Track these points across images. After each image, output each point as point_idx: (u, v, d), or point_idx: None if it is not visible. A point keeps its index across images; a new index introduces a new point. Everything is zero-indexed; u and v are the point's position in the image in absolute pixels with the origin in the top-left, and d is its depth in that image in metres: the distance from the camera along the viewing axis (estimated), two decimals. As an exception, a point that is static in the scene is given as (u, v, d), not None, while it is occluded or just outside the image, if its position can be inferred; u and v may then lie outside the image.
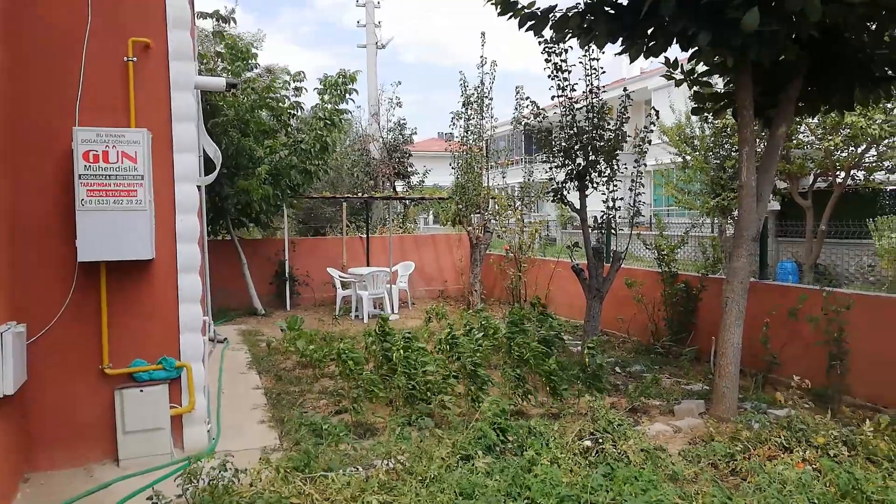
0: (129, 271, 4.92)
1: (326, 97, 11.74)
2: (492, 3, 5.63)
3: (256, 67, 11.56)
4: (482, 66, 11.98)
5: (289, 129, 11.85)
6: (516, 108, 11.07)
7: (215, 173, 7.38)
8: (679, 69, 6.32)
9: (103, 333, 4.84)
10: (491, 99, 12.22)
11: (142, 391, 4.87)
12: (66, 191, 4.68)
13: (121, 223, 4.70)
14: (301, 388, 6.91)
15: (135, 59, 4.90)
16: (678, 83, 6.46)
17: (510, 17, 5.61)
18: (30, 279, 4.65)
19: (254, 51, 11.55)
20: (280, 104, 11.43)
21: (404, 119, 22.04)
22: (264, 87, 11.13)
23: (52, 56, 4.72)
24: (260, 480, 3.70)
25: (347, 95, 11.86)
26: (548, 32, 5.77)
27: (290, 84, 11.68)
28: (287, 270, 12.80)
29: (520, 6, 5.58)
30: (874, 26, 5.23)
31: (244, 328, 10.67)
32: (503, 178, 13.64)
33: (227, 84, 6.55)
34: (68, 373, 4.78)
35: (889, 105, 11.58)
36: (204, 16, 11.39)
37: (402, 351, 5.93)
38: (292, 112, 11.78)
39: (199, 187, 5.67)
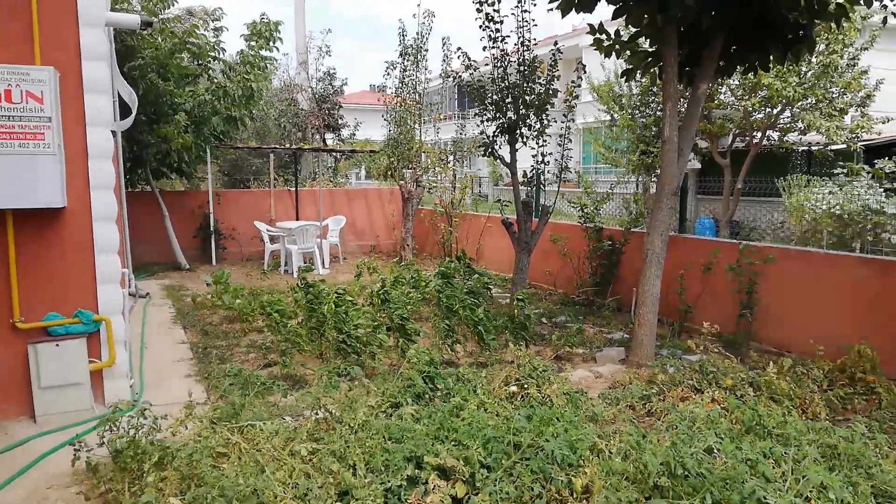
0: (40, 220, 4.65)
1: (252, 43, 11.25)
2: None
3: (174, 4, 10.89)
4: (419, 16, 11.75)
5: (210, 73, 11.31)
6: (444, 60, 10.95)
7: (131, 118, 6.98)
8: (605, 34, 6.42)
9: (13, 286, 4.58)
10: (427, 50, 12.03)
11: (58, 346, 4.67)
12: (-35, 133, 4.35)
13: (27, 168, 4.41)
14: (228, 343, 6.80)
15: (38, -9, 4.54)
16: (607, 51, 6.56)
17: None
18: (-74, 228, 4.34)
19: None
20: (201, 49, 10.86)
21: (334, 69, 21.45)
22: (184, 30, 10.55)
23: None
24: (186, 429, 3.64)
25: (272, 44, 11.39)
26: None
27: (209, 24, 11.10)
28: (212, 224, 12.40)
29: None
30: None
31: (167, 283, 10.33)
32: (437, 132, 13.56)
33: (142, 22, 6.16)
34: (-26, 327, 4.53)
35: (803, 68, 12.11)
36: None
37: (332, 304, 5.90)
38: (214, 56, 11.22)
39: (114, 132, 5.37)
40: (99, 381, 4.93)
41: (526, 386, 4.56)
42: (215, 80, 11.17)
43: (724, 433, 3.63)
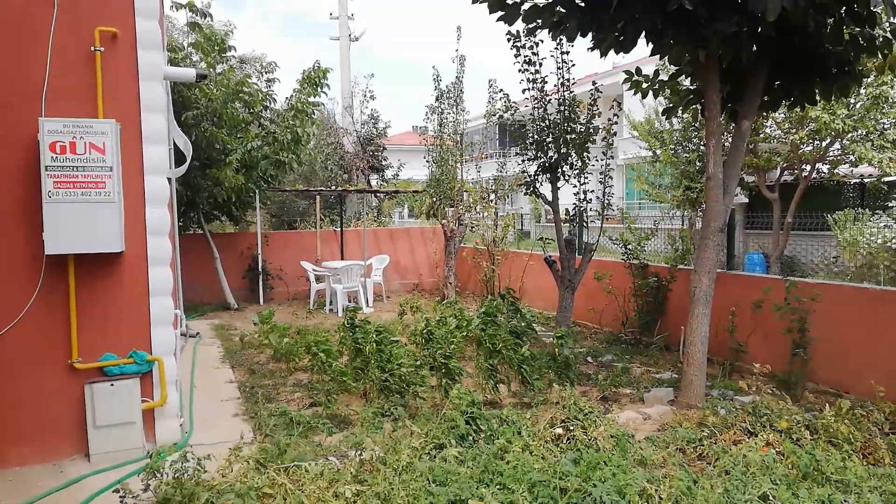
0: (99, 264, 4.86)
1: (302, 90, 11.67)
2: None
3: (231, 59, 11.43)
4: (456, 61, 12.02)
5: (262, 120, 11.75)
6: (489, 102, 11.12)
7: (186, 165, 7.29)
8: (642, 76, 6.51)
9: (72, 327, 4.78)
10: (462, 92, 12.26)
11: (112, 385, 4.83)
12: (33, 182, 4.61)
13: (89, 215, 4.64)
14: (275, 382, 6.90)
15: (102, 48, 4.82)
16: (644, 93, 6.63)
17: (482, 2, 5.63)
18: (-5, 273, 4.58)
19: (229, 42, 11.42)
20: (253, 97, 11.32)
21: (378, 112, 21.95)
22: (237, 81, 11.03)
23: (16, 45, 4.62)
24: (231, 471, 3.70)
25: (320, 90, 11.79)
26: (519, 24, 5.81)
27: (262, 75, 11.59)
28: (260, 264, 12.72)
29: None
30: (832, 24, 5.38)
31: (217, 323, 10.59)
32: (478, 171, 13.72)
33: (197, 75, 6.47)
34: (37, 367, 4.72)
35: (851, 100, 11.87)
36: (177, 6, 11.23)
37: (374, 344, 5.95)
38: (265, 104, 11.69)
39: (169, 179, 5.62)
40: (150, 421, 5.05)
41: (572, 428, 4.48)
42: (265, 127, 11.59)
43: (779, 479, 3.50)
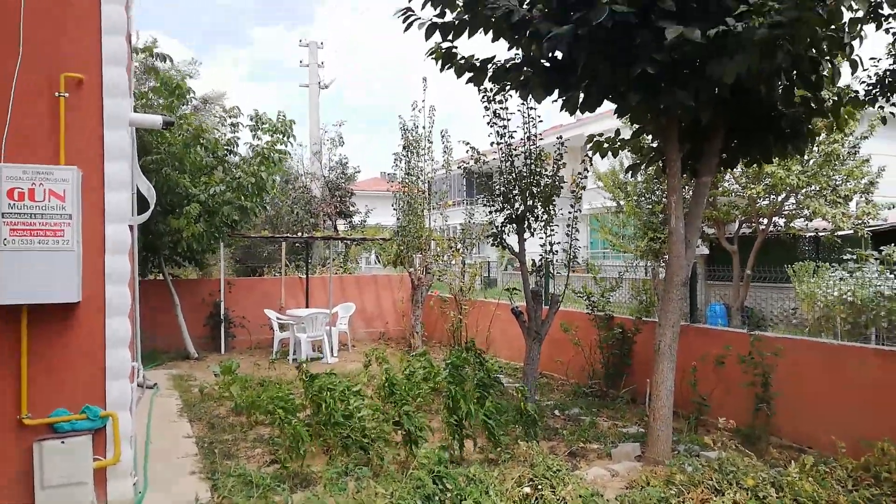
0: (54, 314, 4.68)
1: (264, 136, 11.61)
2: (432, 57, 5.78)
3: (192, 101, 11.37)
4: (421, 110, 12.21)
5: (226, 165, 11.63)
6: (445, 151, 11.28)
7: (149, 212, 7.14)
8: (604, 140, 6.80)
9: (22, 381, 4.56)
10: (431, 142, 12.42)
11: (63, 443, 4.60)
12: (-13, 230, 4.46)
13: (46, 264, 4.49)
14: (235, 437, 6.67)
15: (66, 94, 4.75)
16: (603, 153, 6.88)
17: (449, 68, 5.77)
18: (-59, 324, 4.37)
19: (189, 84, 11.37)
20: (215, 142, 11.22)
21: (346, 158, 22.06)
22: (196, 127, 10.93)
23: (-22, 90, 4.54)
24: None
25: (287, 139, 11.77)
26: (487, 83, 5.96)
27: (225, 120, 11.56)
28: (222, 312, 12.44)
29: (458, 58, 5.75)
30: (784, 87, 5.64)
31: (175, 373, 10.26)
32: (445, 219, 13.79)
33: (164, 122, 6.42)
34: (-19, 424, 4.48)
35: (805, 157, 12.37)
36: (136, 51, 11.20)
37: (335, 401, 5.79)
38: (229, 148, 11.59)
39: (131, 226, 5.50)
40: (102, 480, 4.80)
41: (540, 487, 4.41)
42: (230, 172, 11.47)
43: (747, 541, 3.47)
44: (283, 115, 11.76)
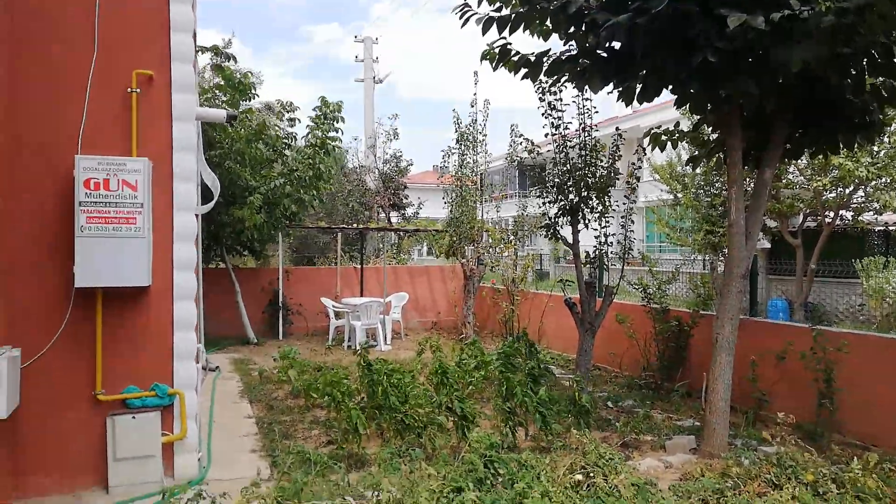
0: (126, 298, 4.95)
1: (318, 126, 11.91)
2: (486, 59, 5.81)
3: (255, 98, 11.76)
4: (474, 105, 12.22)
5: (284, 158, 12.00)
6: (511, 146, 11.27)
7: (213, 202, 7.45)
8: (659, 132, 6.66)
9: (97, 359, 4.85)
10: (485, 136, 12.43)
11: (134, 418, 4.87)
12: (66, 217, 4.74)
13: (119, 250, 4.75)
14: (293, 418, 6.90)
15: (138, 90, 5.01)
16: (661, 147, 6.73)
17: (503, 66, 5.79)
18: (26, 304, 4.68)
19: (252, 80, 11.75)
20: (276, 137, 11.59)
21: (400, 151, 22.29)
22: (259, 123, 11.32)
23: (57, 86, 4.82)
24: (251, 509, 3.69)
25: (335, 123, 12.00)
26: (542, 77, 5.95)
27: (283, 115, 11.90)
28: (281, 299, 12.82)
29: (513, 54, 5.75)
30: (854, 75, 5.42)
31: (236, 357, 10.64)
32: (497, 211, 13.80)
33: (228, 116, 6.67)
34: (61, 398, 4.78)
35: (875, 148, 11.84)
36: (203, 50, 11.61)
37: (389, 386, 5.91)
38: (287, 143, 11.96)
39: (196, 215, 5.74)
40: (170, 454, 5.07)
41: (592, 474, 4.42)
42: (288, 165, 11.82)
43: (805, 535, 3.41)
44: (325, 98, 12.01)
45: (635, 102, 5.82)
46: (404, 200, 22.27)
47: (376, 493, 4.07)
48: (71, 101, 4.84)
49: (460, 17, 5.50)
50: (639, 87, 5.65)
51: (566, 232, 8.41)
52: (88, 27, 4.90)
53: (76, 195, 4.65)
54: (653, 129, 6.78)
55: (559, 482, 4.36)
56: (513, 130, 10.74)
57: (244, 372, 9.31)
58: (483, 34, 5.54)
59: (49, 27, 4.82)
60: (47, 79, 4.80)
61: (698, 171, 14.42)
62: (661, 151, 6.95)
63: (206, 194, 7.78)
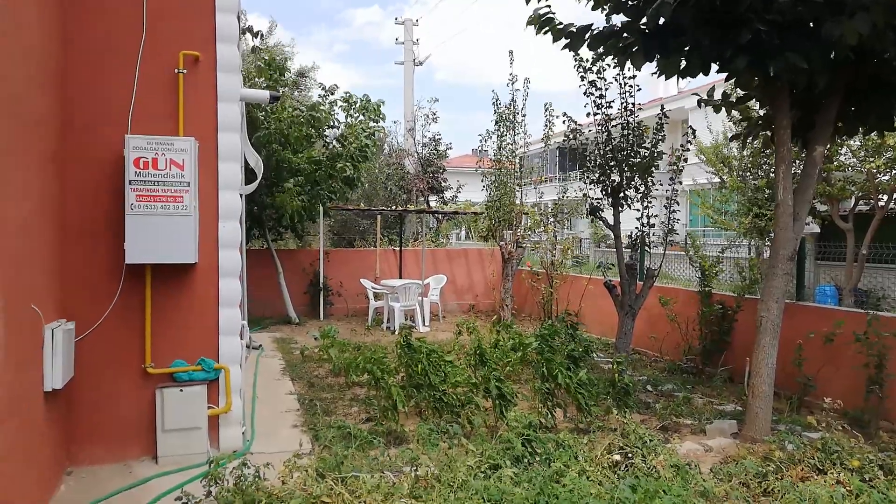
0: (173, 274, 5.10)
1: (354, 114, 12.04)
2: (530, 24, 5.75)
3: (288, 76, 11.98)
4: (512, 84, 12.09)
5: (325, 140, 12.15)
6: (546, 125, 11.13)
7: (256, 183, 7.59)
8: (711, 95, 6.40)
9: (147, 333, 5.02)
10: (524, 116, 12.31)
11: (181, 391, 5.03)
12: (116, 195, 4.89)
13: (167, 228, 4.88)
14: (333, 396, 7.03)
15: (185, 70, 5.11)
16: (717, 108, 6.47)
17: (546, 33, 5.72)
18: (79, 279, 4.85)
19: (289, 63, 11.94)
20: (319, 121, 11.75)
21: (439, 135, 22.21)
22: (311, 105, 11.51)
23: (107, 66, 4.95)
24: (290, 479, 3.79)
25: (377, 120, 12.16)
26: (584, 51, 5.86)
27: (326, 96, 12.05)
28: (321, 280, 13.01)
29: (556, 23, 5.69)
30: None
31: (278, 336, 10.87)
32: (538, 195, 13.71)
33: (271, 97, 6.77)
34: (113, 371, 4.96)
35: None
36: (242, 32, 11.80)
37: (427, 365, 5.97)
38: (329, 124, 12.09)
39: (240, 195, 5.86)
40: (215, 427, 5.23)
41: (630, 455, 4.40)
42: (329, 144, 11.98)
43: (851, 519, 3.34)
44: (368, 97, 12.20)
45: (682, 82, 5.69)
46: (443, 184, 22.24)
47: (414, 467, 4.13)
48: (120, 82, 4.97)
49: None
50: (683, 63, 5.51)
51: (607, 213, 8.32)
52: (136, 9, 5.01)
53: (126, 174, 4.79)
54: (702, 97, 6.52)
55: (597, 462, 4.36)
56: (546, 108, 10.61)
57: (286, 350, 9.51)
58: (527, 3, 5.53)
59: (100, 9, 4.94)
60: (98, 60, 4.93)
61: (745, 152, 14.04)
62: (716, 113, 6.65)
63: (249, 175, 7.94)
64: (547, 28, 5.70)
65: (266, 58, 11.54)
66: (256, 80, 11.38)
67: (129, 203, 4.80)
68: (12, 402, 3.60)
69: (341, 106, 12.13)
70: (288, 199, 10.77)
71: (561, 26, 5.69)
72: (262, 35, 11.65)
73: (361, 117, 12.03)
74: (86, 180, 4.89)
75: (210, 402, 5.18)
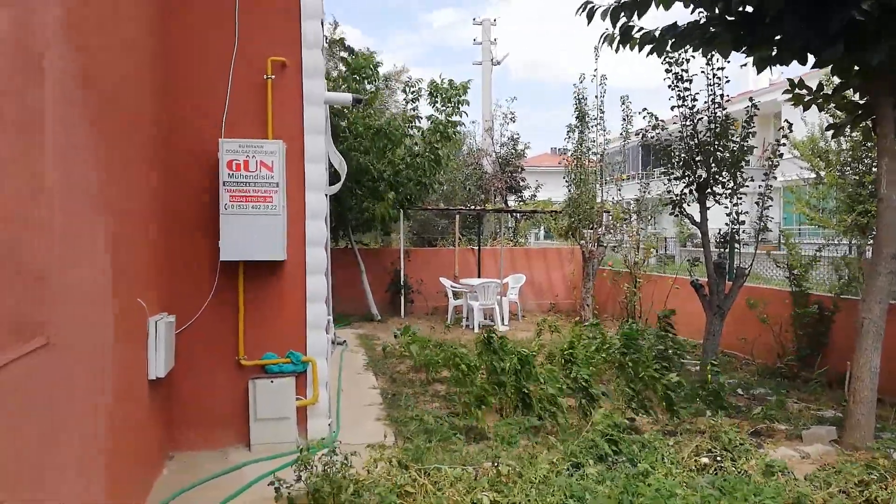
0: (264, 271, 5.34)
1: (439, 104, 12.10)
2: (606, 42, 5.61)
3: (376, 81, 12.25)
4: (595, 80, 11.90)
5: (405, 144, 12.36)
6: (624, 119, 10.88)
7: (340, 184, 7.81)
8: (805, 89, 6.05)
9: (240, 327, 5.27)
10: (602, 112, 12.10)
11: (272, 382, 5.26)
12: (212, 196, 5.17)
13: (258, 226, 5.12)
14: (414, 391, 7.15)
15: (273, 76, 5.34)
16: (806, 106, 6.14)
17: (625, 47, 5.58)
18: (179, 275, 5.16)
19: (377, 61, 12.22)
20: (406, 121, 11.98)
21: (517, 134, 22.12)
22: (406, 118, 11.89)
23: (204, 74, 5.24)
24: (375, 468, 3.89)
25: (460, 107, 12.14)
26: (668, 49, 5.70)
27: (408, 94, 12.24)
28: (402, 279, 13.25)
29: (636, 31, 5.53)
30: None
31: (361, 332, 11.15)
32: (619, 192, 13.42)
33: (354, 100, 6.95)
34: (209, 362, 5.25)
35: None
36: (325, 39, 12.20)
37: (516, 362, 5.97)
38: (410, 125, 12.28)
39: (325, 195, 6.06)
40: (303, 417, 5.43)
41: (720, 459, 4.25)
42: (409, 149, 12.20)
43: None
44: (451, 81, 12.20)
45: (773, 75, 5.43)
46: (521, 183, 22.12)
47: (496, 462, 4.15)
48: (216, 87, 5.25)
49: (585, 15, 5.34)
50: (773, 52, 5.26)
51: (693, 210, 8.04)
52: (229, 18, 5.27)
53: (220, 175, 5.06)
54: (794, 84, 6.17)
55: (683, 464, 4.24)
56: (623, 101, 10.36)
57: (369, 346, 9.74)
58: (613, 25, 5.37)
59: (198, 24, 5.24)
60: (198, 69, 5.23)
61: (844, 145, 13.21)
62: (805, 111, 6.30)
63: (333, 177, 8.18)
64: (626, 42, 5.54)
65: (355, 65, 11.90)
66: (340, 85, 11.75)
67: (223, 203, 5.06)
68: (124, 389, 3.87)
69: (429, 92, 12.23)
70: (384, 208, 11.17)
71: (641, 34, 5.53)
72: (353, 50, 12.08)
73: (440, 114, 12.11)
74: (188, 181, 5.20)
75: (298, 393, 5.38)
